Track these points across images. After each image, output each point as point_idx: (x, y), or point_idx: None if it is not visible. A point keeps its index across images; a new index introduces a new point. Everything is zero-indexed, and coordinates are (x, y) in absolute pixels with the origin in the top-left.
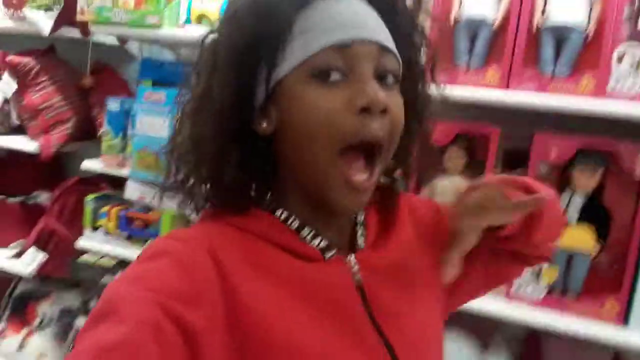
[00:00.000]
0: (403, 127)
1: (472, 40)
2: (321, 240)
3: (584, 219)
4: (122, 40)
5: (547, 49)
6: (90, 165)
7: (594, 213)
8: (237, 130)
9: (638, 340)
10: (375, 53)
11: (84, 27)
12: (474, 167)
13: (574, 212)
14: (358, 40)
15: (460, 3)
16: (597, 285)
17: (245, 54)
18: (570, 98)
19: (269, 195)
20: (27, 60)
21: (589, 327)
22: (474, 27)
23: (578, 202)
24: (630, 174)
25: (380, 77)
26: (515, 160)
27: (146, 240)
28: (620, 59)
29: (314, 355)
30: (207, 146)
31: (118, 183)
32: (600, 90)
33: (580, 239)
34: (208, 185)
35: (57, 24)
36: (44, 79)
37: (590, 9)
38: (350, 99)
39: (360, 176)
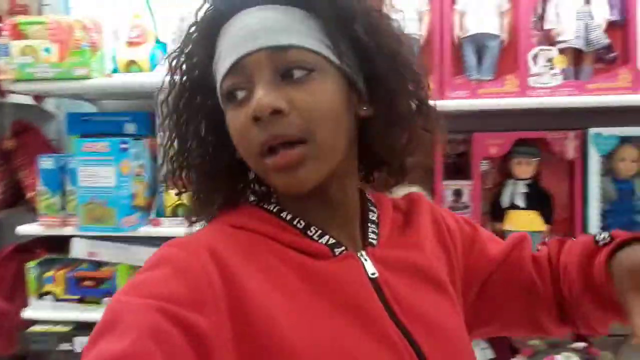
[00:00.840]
0: (335, 116)
1: None
2: (329, 238)
3: (530, 204)
4: (39, 98)
5: (470, 57)
6: (27, 230)
7: (537, 198)
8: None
9: None
10: (265, 58)
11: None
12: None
13: (519, 199)
14: (245, 55)
15: None
16: None
17: (196, 97)
18: (498, 99)
19: (272, 198)
20: None
21: None
22: None
23: (521, 189)
24: (561, 158)
25: (285, 75)
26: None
27: (100, 300)
28: (535, 60)
29: (333, 351)
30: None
31: (57, 245)
32: (522, 88)
33: (530, 223)
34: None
35: None
36: None
37: (502, 19)
38: (246, 113)
39: (276, 160)
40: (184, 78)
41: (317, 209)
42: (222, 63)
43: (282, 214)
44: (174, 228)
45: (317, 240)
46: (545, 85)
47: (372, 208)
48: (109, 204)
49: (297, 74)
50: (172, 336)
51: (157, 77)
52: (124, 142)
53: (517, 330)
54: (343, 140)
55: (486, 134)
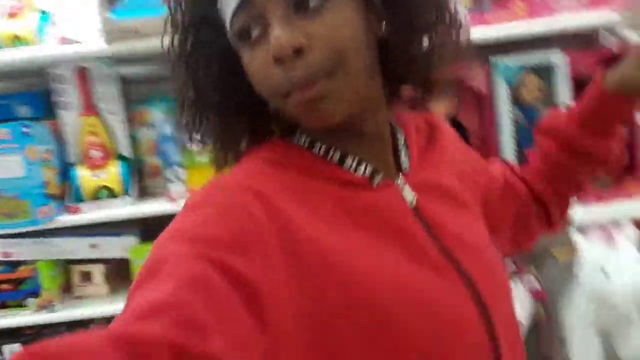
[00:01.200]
0: (358, 41)
1: None
2: (366, 166)
3: None
4: None
5: None
6: None
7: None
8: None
9: None
10: None
11: None
12: None
13: None
14: None
15: None
16: None
17: (203, 34)
18: None
19: (301, 132)
20: None
21: None
22: None
23: None
24: (472, 91)
25: (299, 6)
26: None
27: (23, 302)
28: None
29: (391, 280)
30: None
31: None
32: None
33: None
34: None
35: None
36: None
37: None
38: (266, 53)
39: (301, 96)
40: (188, 18)
41: (351, 140)
42: (227, 1)
43: (315, 146)
44: (96, 212)
45: (354, 171)
46: None
47: (398, 133)
48: (20, 196)
49: (313, 2)
50: (214, 283)
51: (48, 50)
52: (25, 126)
53: (511, 245)
54: (366, 66)
55: None
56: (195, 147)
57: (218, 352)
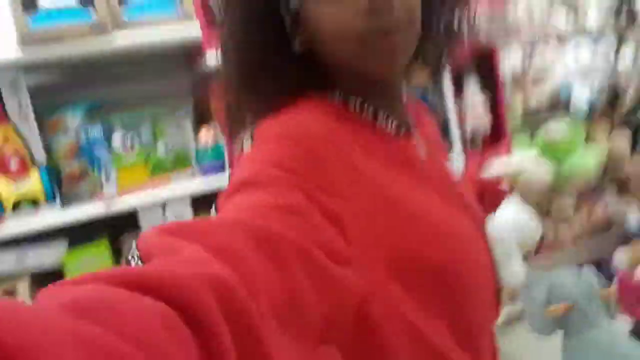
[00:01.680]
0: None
1: None
2: (393, 120)
3: None
4: None
5: None
6: None
7: None
8: (276, 51)
9: None
10: None
11: None
12: None
13: None
14: None
15: None
16: None
17: None
18: None
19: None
20: None
21: None
22: None
23: None
24: None
25: None
26: None
27: None
28: None
29: (446, 219)
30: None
31: None
32: None
33: None
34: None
35: None
36: None
37: None
38: (354, 3)
39: (381, 44)
40: None
41: (382, 94)
42: None
43: (350, 101)
44: (19, 224)
45: (385, 124)
46: None
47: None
48: None
49: None
50: (315, 214)
51: None
52: None
53: None
54: (419, 29)
55: None
56: (122, 149)
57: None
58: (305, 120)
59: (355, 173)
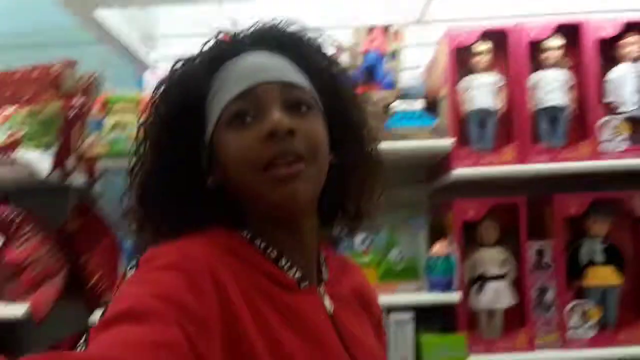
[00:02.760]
0: (326, 155)
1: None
2: (296, 271)
3: (605, 259)
4: (92, 179)
5: (545, 126)
6: None
7: (611, 254)
8: (190, 192)
9: None
10: (278, 89)
11: (90, 164)
12: (507, 234)
13: (598, 256)
14: (260, 83)
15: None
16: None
17: (179, 125)
18: (573, 163)
19: (246, 225)
20: (9, 211)
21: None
22: (482, 115)
23: (598, 246)
24: (629, 215)
25: (292, 107)
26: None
27: None
28: (603, 128)
29: None
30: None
31: None
32: (594, 152)
33: (608, 278)
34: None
35: (55, 164)
36: (27, 229)
37: (569, 93)
38: (259, 131)
39: (281, 170)
40: (170, 104)
41: (288, 239)
42: (229, 90)
43: (255, 241)
44: None
45: (286, 272)
46: (615, 150)
47: (321, 252)
48: None
49: (303, 108)
50: (182, 349)
51: None
52: None
53: None
54: (325, 169)
55: (566, 195)
56: (361, 249)
57: None
58: (193, 252)
59: (232, 310)
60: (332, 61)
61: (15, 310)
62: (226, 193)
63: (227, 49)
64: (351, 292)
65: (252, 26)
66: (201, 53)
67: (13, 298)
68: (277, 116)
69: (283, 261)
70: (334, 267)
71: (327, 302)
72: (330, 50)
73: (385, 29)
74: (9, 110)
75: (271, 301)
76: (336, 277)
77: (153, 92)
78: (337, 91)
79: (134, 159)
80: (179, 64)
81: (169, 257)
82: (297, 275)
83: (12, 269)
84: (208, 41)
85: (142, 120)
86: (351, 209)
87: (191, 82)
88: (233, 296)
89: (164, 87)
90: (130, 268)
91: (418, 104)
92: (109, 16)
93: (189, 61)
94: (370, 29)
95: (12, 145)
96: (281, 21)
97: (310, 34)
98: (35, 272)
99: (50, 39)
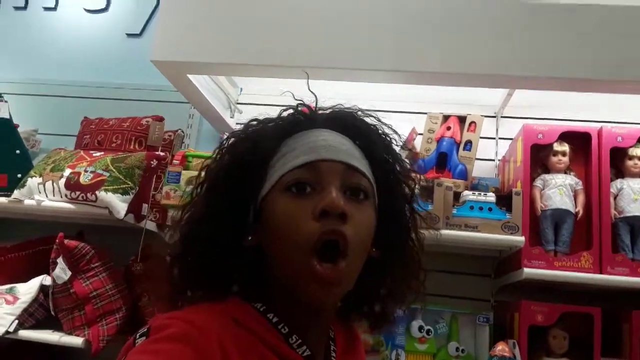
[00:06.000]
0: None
1: (555, 228)
2: (306, 349)
3: None
4: (162, 226)
5: (626, 237)
6: None
7: None
8: (228, 243)
9: None
10: (341, 170)
11: (162, 212)
12: (576, 346)
13: None
14: (325, 159)
15: (547, 197)
16: None
17: (238, 176)
18: None
19: (261, 297)
20: (82, 245)
21: None
22: (559, 216)
23: None
24: None
25: (351, 192)
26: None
27: None
28: None
29: None
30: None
31: None
32: None
33: None
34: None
35: (131, 208)
36: (96, 265)
37: None
38: (314, 206)
39: (326, 270)
40: (236, 155)
41: (304, 318)
42: (294, 157)
43: (268, 315)
44: None
45: (296, 349)
46: None
47: (331, 330)
48: None
49: (361, 196)
50: None
51: None
52: None
53: None
54: (361, 266)
55: None
56: (417, 337)
57: None
58: (203, 322)
59: None
60: (398, 159)
61: (74, 340)
62: (254, 258)
63: (303, 120)
64: None
65: (332, 107)
66: (278, 117)
67: (70, 329)
68: (334, 195)
69: (293, 338)
70: (342, 343)
71: None
72: (399, 149)
73: (462, 118)
74: (98, 154)
75: None
76: (343, 355)
77: (224, 140)
78: (395, 189)
79: (187, 201)
80: (254, 122)
81: (178, 328)
82: (307, 353)
83: (76, 301)
84: (287, 109)
85: (205, 163)
86: (377, 308)
87: (262, 140)
88: None
89: (235, 139)
90: (140, 336)
91: (490, 197)
92: (199, 80)
93: (264, 122)
94: (446, 117)
95: (95, 186)
96: (359, 110)
97: (384, 129)
98: (97, 306)
99: (144, 95)
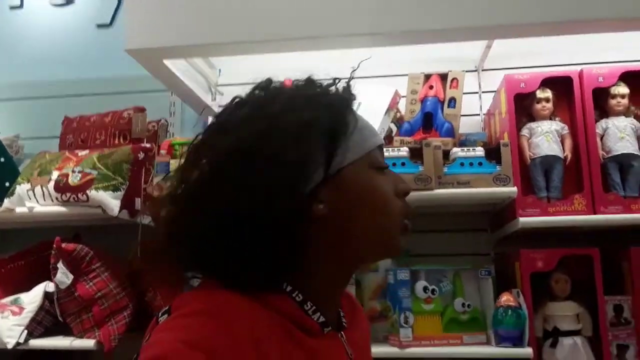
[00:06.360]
0: None
1: (546, 175)
2: (320, 315)
3: None
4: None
5: (616, 176)
6: None
7: None
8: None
9: None
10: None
11: (156, 204)
12: (579, 288)
13: None
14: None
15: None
16: None
17: (304, 140)
18: None
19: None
20: (81, 247)
21: None
22: (548, 163)
23: None
24: None
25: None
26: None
27: None
28: None
29: None
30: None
31: None
32: None
33: None
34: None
35: (124, 204)
36: (97, 265)
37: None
38: (395, 185)
39: (411, 226)
40: (304, 119)
41: (329, 288)
42: (369, 136)
43: (293, 294)
44: None
45: (311, 316)
46: None
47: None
48: None
49: None
50: None
51: None
52: None
53: None
54: None
55: None
56: (423, 298)
57: None
58: (230, 300)
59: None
60: None
61: (86, 342)
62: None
63: (350, 96)
64: (361, 337)
65: (346, 79)
66: (333, 86)
67: (80, 332)
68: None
69: (308, 305)
70: (346, 310)
71: (348, 348)
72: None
73: (443, 76)
74: (83, 152)
75: (299, 348)
76: (351, 322)
77: (275, 97)
78: None
79: (201, 186)
80: (302, 84)
81: (206, 304)
82: (321, 320)
83: (82, 304)
84: (333, 82)
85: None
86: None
87: (332, 106)
88: (268, 348)
89: (296, 101)
90: (162, 314)
91: (479, 151)
92: (176, 65)
93: (318, 87)
94: (428, 76)
95: (85, 186)
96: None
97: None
98: (104, 307)
99: (122, 87)
